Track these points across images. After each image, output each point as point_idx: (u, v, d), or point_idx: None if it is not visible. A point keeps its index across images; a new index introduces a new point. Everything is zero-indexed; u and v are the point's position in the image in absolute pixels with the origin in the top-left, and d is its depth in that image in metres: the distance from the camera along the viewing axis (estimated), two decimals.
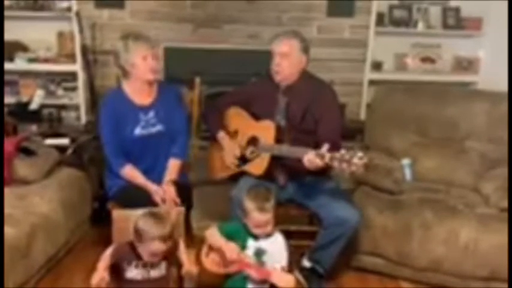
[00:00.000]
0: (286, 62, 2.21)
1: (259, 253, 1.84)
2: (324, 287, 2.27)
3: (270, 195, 1.85)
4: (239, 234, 1.87)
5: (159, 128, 2.27)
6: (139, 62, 2.16)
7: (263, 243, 1.85)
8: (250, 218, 1.83)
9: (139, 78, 2.20)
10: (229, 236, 1.87)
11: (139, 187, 2.20)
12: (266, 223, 1.83)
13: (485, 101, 2.73)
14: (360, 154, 1.82)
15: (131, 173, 2.22)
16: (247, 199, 1.84)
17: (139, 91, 2.25)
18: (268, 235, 1.86)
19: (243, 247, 1.85)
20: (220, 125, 2.39)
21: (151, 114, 2.26)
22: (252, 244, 1.85)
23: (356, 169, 1.82)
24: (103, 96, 2.45)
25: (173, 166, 2.28)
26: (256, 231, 1.85)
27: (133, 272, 1.77)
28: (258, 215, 1.81)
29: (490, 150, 2.66)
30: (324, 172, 2.09)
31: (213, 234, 1.88)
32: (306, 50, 2.25)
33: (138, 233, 1.73)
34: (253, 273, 1.80)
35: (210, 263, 1.86)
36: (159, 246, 1.71)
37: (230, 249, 1.81)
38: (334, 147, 1.93)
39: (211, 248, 1.88)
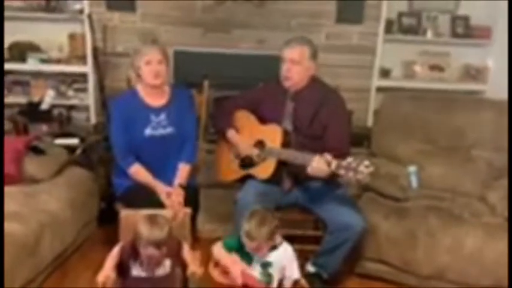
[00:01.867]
0: (297, 69, 2.22)
1: (265, 265, 1.83)
2: None
3: (264, 222, 1.77)
4: (242, 249, 1.85)
5: (169, 130, 2.29)
6: (144, 67, 2.20)
7: (269, 257, 1.83)
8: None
9: (145, 82, 2.24)
10: (235, 250, 1.86)
11: (147, 187, 2.22)
12: (255, 249, 1.80)
13: (492, 109, 2.73)
14: (366, 163, 1.82)
15: (139, 171, 2.24)
16: (245, 220, 1.80)
17: (151, 93, 2.28)
18: (273, 248, 1.83)
19: (250, 259, 1.84)
20: (230, 124, 2.39)
21: (162, 116, 2.28)
22: (257, 258, 1.83)
23: (362, 178, 1.82)
24: (113, 98, 2.48)
25: (183, 170, 2.29)
26: (251, 252, 1.83)
27: (138, 270, 1.79)
28: (246, 239, 1.78)
29: (496, 159, 2.65)
30: (330, 179, 2.09)
31: (220, 252, 1.87)
32: (315, 56, 2.27)
33: (137, 234, 1.75)
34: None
35: (218, 274, 1.86)
36: (153, 252, 1.72)
37: (236, 269, 1.79)
38: (342, 154, 1.94)
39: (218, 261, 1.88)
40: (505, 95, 2.99)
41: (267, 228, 1.76)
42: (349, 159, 1.86)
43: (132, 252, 1.78)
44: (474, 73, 3.67)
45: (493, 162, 2.65)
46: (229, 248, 1.87)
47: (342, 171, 1.87)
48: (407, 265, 2.31)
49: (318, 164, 1.93)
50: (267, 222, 1.77)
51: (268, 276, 1.83)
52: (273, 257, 1.84)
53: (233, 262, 1.82)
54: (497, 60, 3.58)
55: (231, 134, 2.37)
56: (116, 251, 1.80)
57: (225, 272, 1.84)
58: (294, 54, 2.21)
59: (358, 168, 1.82)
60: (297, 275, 1.86)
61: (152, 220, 1.75)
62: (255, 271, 1.83)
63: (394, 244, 2.31)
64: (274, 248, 1.84)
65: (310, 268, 2.26)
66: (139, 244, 1.74)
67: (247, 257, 1.84)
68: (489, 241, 2.20)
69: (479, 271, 2.19)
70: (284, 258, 1.85)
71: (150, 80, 2.21)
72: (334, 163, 1.89)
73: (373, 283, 2.42)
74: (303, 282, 1.87)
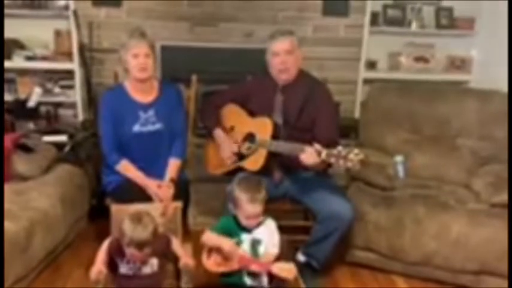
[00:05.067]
0: (292, 59, 2.25)
1: (254, 244, 1.86)
2: (319, 282, 2.31)
3: (260, 186, 1.85)
4: (232, 230, 1.88)
5: (158, 126, 2.29)
6: (130, 60, 2.19)
7: (257, 234, 1.87)
8: (241, 210, 1.84)
9: (132, 75, 2.23)
10: (224, 234, 1.88)
11: (137, 183, 2.22)
12: (257, 215, 1.84)
13: (476, 99, 2.78)
14: (356, 151, 1.86)
15: (127, 167, 2.24)
16: (238, 190, 1.84)
17: (139, 89, 2.28)
18: (259, 224, 1.88)
19: (239, 241, 1.87)
20: (217, 122, 2.42)
21: (151, 112, 2.28)
22: (246, 237, 1.87)
23: (352, 165, 1.86)
24: (102, 92, 2.47)
25: (173, 165, 2.30)
26: (246, 222, 1.86)
27: (125, 268, 1.78)
28: (249, 207, 1.81)
29: (480, 147, 2.71)
30: (321, 168, 2.12)
31: (210, 237, 1.88)
32: (300, 45, 2.30)
33: (121, 232, 1.74)
34: (255, 267, 1.82)
35: (212, 264, 1.87)
36: (134, 253, 1.71)
37: (227, 243, 1.82)
38: (331, 144, 1.97)
39: (210, 251, 1.89)
40: (488, 85, 3.05)
41: (263, 189, 1.85)
42: (339, 148, 1.90)
43: (118, 250, 1.77)
44: (458, 64, 3.73)
45: (477, 150, 2.71)
46: (219, 232, 1.87)
47: (332, 160, 1.90)
48: (395, 252, 2.36)
49: (309, 154, 1.96)
50: (259, 184, 1.86)
51: (255, 257, 1.86)
52: (260, 233, 1.87)
53: (225, 241, 1.83)
54: (480, 50, 3.65)
55: (217, 133, 2.39)
56: (105, 245, 1.80)
57: (219, 261, 1.85)
58: (286, 45, 2.24)
59: (348, 156, 1.86)
60: (277, 249, 1.88)
61: (136, 219, 1.72)
62: (246, 253, 1.85)
63: (382, 232, 2.35)
64: (259, 224, 1.87)
65: (301, 258, 2.29)
66: (123, 242, 1.73)
67: (236, 241, 1.86)
68: (474, 227, 2.25)
69: (465, 256, 2.25)
70: (269, 233, 1.89)
71: (136, 73, 2.20)
72: (324, 152, 1.93)
73: (362, 271, 2.47)
74: (294, 268, 1.87)
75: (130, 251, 1.72)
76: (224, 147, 2.35)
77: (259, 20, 3.43)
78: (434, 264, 2.32)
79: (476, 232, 2.24)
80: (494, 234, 2.22)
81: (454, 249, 2.26)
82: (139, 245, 1.69)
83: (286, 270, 1.81)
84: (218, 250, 1.85)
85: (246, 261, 1.83)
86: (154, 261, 1.80)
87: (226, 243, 1.82)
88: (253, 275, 1.85)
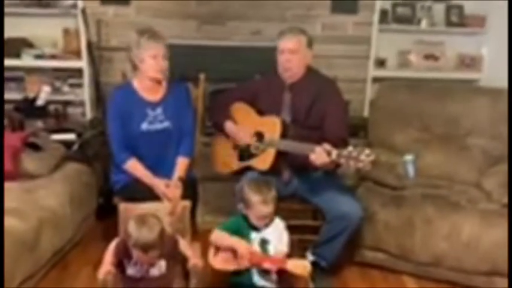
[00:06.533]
0: (296, 58, 2.23)
1: (263, 243, 1.86)
2: (328, 282, 2.29)
3: (271, 186, 1.87)
4: (241, 229, 1.88)
5: (166, 124, 2.28)
6: (149, 60, 2.18)
7: (266, 234, 1.87)
8: (254, 211, 1.84)
9: (146, 75, 2.23)
10: (233, 233, 1.87)
11: (145, 182, 2.21)
12: (270, 214, 1.85)
13: (487, 97, 2.74)
14: (367, 151, 1.83)
15: (135, 166, 2.22)
16: (250, 192, 1.84)
17: (147, 87, 2.27)
18: (267, 224, 1.88)
19: (248, 240, 1.86)
20: (227, 116, 2.39)
21: (159, 110, 2.27)
22: (255, 236, 1.86)
23: (363, 166, 1.83)
24: (110, 91, 2.47)
25: (181, 164, 2.29)
26: (258, 222, 1.86)
27: (132, 270, 1.77)
28: (263, 208, 1.82)
29: (492, 146, 2.67)
30: (330, 168, 2.10)
31: (220, 236, 1.87)
32: (310, 45, 2.29)
33: (127, 234, 1.73)
34: (268, 265, 1.81)
35: (220, 262, 1.86)
36: (140, 255, 1.70)
37: (241, 245, 1.81)
38: (341, 142, 1.95)
39: (218, 249, 1.88)
40: (499, 83, 3.00)
41: (273, 188, 1.87)
42: (350, 148, 1.87)
43: (125, 251, 1.76)
44: (469, 62, 3.68)
45: (488, 149, 2.67)
46: (228, 231, 1.87)
47: (342, 160, 1.88)
48: (405, 252, 2.33)
49: (319, 154, 1.93)
50: (270, 184, 1.89)
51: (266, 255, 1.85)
52: (269, 233, 1.87)
53: (241, 244, 1.82)
54: (491, 48, 3.60)
55: (228, 125, 2.37)
56: (112, 246, 1.79)
57: (227, 259, 1.83)
58: (292, 44, 2.23)
59: (359, 156, 1.83)
60: (286, 248, 1.88)
61: (142, 220, 1.71)
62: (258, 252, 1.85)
63: (392, 232, 2.33)
64: (268, 224, 1.87)
65: (310, 257, 2.27)
66: (129, 243, 1.72)
67: (246, 239, 1.86)
68: (486, 227, 2.22)
69: (476, 257, 2.21)
70: (277, 232, 1.88)
71: (154, 73, 2.20)
72: (334, 152, 1.90)
73: (372, 271, 2.44)
74: (308, 265, 1.85)
75: (136, 253, 1.71)
76: (242, 133, 2.30)
77: (267, 18, 3.41)
78: (446, 265, 2.29)
79: (488, 233, 2.20)
80: (506, 235, 2.18)
81: (465, 250, 2.22)
82: (145, 247, 1.68)
83: (301, 266, 1.80)
84: (228, 249, 1.83)
85: (259, 259, 1.81)
86: (162, 263, 1.78)
87: (240, 245, 1.81)
88: (263, 273, 1.84)
